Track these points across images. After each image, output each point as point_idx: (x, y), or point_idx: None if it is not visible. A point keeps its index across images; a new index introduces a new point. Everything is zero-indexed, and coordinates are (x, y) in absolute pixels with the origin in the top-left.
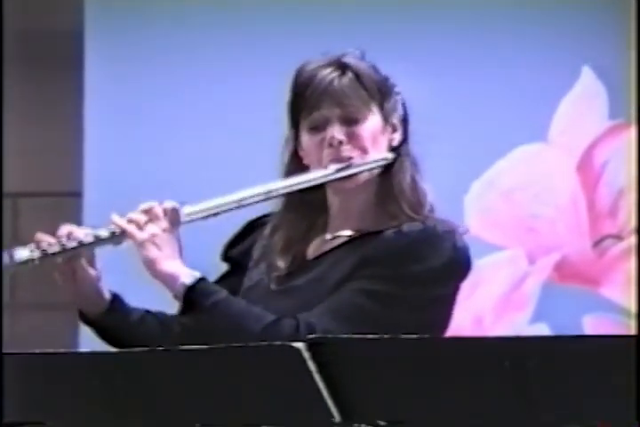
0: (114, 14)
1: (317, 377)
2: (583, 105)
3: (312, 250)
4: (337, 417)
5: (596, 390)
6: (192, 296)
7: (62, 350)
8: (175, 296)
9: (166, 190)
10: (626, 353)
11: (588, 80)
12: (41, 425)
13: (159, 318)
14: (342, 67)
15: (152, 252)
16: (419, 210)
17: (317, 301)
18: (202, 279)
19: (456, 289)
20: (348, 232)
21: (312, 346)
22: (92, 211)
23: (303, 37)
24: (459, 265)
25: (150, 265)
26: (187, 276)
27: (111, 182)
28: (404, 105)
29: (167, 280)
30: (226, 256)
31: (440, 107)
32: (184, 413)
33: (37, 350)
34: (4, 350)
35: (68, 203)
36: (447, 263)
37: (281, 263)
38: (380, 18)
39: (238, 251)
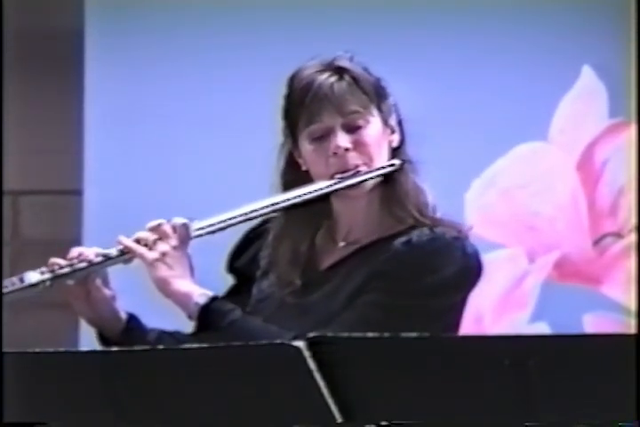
0: (114, 14)
1: (317, 376)
2: (583, 104)
3: (324, 260)
4: (337, 416)
5: (596, 389)
6: (207, 316)
7: (62, 349)
8: (189, 316)
9: (165, 188)
10: (626, 352)
11: (588, 79)
12: (41, 425)
13: (176, 337)
14: (339, 71)
15: (163, 271)
16: (424, 211)
17: (331, 316)
18: (215, 298)
19: (468, 294)
20: (358, 239)
21: (312, 345)
22: (92, 209)
23: (300, 41)
24: (470, 272)
25: (161, 285)
26: (200, 295)
27: (111, 180)
28: (395, 106)
29: (180, 300)
30: (232, 267)
31: (440, 106)
32: (184, 412)
33: (37, 350)
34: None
35: (68, 201)
36: (459, 272)
37: (293, 276)
38: (380, 19)
39: (243, 261)
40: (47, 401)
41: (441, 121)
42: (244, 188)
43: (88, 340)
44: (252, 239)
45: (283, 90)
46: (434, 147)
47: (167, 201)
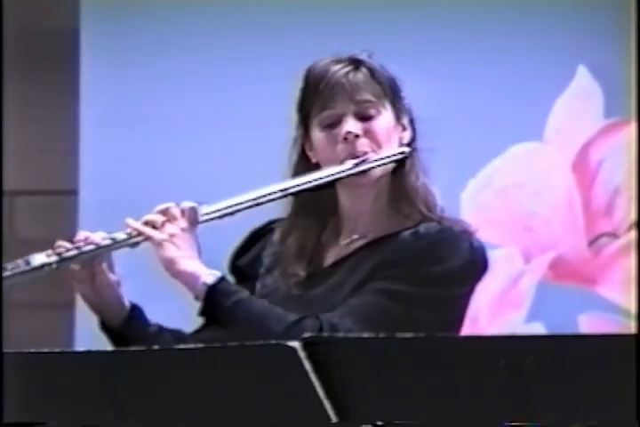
0: (110, 13)
1: (313, 376)
2: (579, 104)
3: (329, 256)
4: (333, 417)
5: (592, 389)
6: (214, 296)
7: (62, 349)
8: (196, 296)
9: (161, 189)
10: (622, 352)
11: (583, 79)
12: (40, 425)
13: (175, 334)
14: (355, 62)
15: (171, 251)
16: (432, 208)
17: (335, 308)
18: (223, 279)
19: (473, 288)
20: (363, 234)
21: (308, 345)
22: (88, 209)
23: (304, 39)
24: (476, 265)
25: (169, 265)
26: (207, 275)
27: (107, 181)
28: (409, 106)
29: (187, 280)
30: (233, 266)
31: (436, 106)
32: (182, 412)
33: (35, 350)
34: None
35: (65, 201)
36: (465, 264)
37: (298, 269)
38: (377, 19)
39: (246, 260)
40: (46, 401)
41: (436, 121)
42: (243, 187)
43: (84, 340)
44: (256, 239)
45: (287, 86)
46: (430, 146)
47: (164, 201)
